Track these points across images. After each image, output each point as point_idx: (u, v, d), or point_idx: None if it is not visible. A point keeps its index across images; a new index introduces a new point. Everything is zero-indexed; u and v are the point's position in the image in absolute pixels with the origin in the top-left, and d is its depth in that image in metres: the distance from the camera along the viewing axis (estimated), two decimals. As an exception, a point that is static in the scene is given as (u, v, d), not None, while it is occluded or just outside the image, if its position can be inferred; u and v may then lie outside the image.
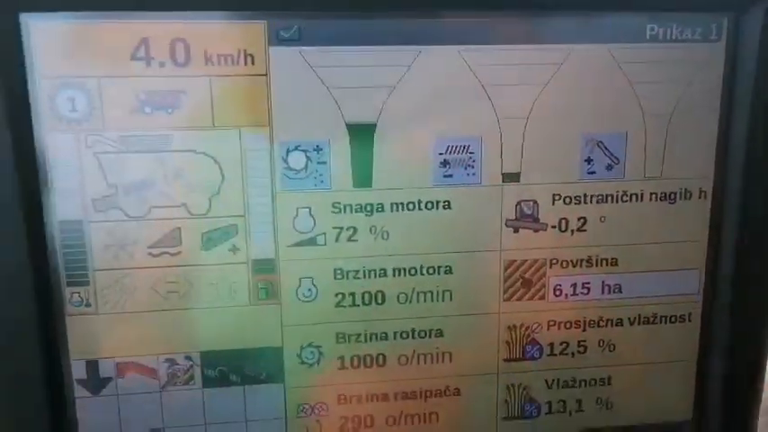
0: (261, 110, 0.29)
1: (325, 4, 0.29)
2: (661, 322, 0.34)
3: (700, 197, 0.32)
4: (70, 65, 0.28)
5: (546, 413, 0.34)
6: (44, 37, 0.27)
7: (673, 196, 0.32)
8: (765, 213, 0.32)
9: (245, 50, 0.29)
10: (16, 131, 0.27)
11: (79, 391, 0.31)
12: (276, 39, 0.29)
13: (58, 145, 0.28)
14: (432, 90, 0.30)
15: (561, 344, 0.33)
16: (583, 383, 0.34)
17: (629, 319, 0.33)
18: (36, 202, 0.28)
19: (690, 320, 0.34)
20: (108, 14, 0.27)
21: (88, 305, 0.30)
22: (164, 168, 0.29)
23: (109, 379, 0.31)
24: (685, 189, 0.32)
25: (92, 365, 0.31)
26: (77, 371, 0.31)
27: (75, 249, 0.29)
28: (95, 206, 0.29)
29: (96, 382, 0.31)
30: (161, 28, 0.28)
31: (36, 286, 0.29)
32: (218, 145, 0.29)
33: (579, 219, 0.32)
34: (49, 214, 0.29)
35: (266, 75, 0.29)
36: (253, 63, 0.29)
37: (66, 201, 0.29)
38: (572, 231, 0.32)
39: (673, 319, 0.34)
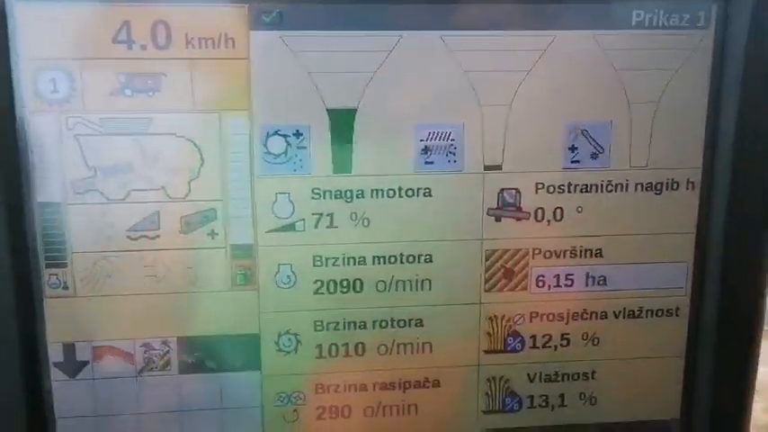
0: (241, 94, 0.30)
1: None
2: (647, 316, 0.34)
3: (687, 188, 0.33)
4: (53, 47, 0.29)
5: (528, 407, 0.35)
6: (28, 19, 0.29)
7: (659, 186, 0.33)
8: (756, 205, 0.32)
9: (226, 34, 0.30)
10: (-3, 112, 0.28)
11: (56, 374, 0.32)
12: (257, 23, 0.30)
13: (39, 126, 0.29)
14: (413, 76, 0.31)
15: (544, 336, 0.34)
16: (566, 377, 0.34)
17: (614, 312, 0.34)
18: (16, 183, 0.29)
19: (677, 315, 0.34)
20: (88, -4, 0.28)
21: (66, 288, 0.31)
22: (143, 151, 0.30)
23: (86, 362, 0.32)
24: (672, 179, 0.33)
25: (69, 348, 0.32)
26: (54, 354, 0.32)
27: (54, 231, 0.30)
28: (75, 188, 0.30)
29: (73, 365, 0.32)
30: (142, 11, 0.29)
31: (14, 267, 0.30)
32: (198, 128, 0.30)
33: (563, 208, 0.32)
34: (29, 196, 0.30)
35: (247, 59, 0.30)
36: (234, 47, 0.30)
37: (46, 182, 0.30)
38: (555, 221, 0.33)
39: (660, 313, 0.34)
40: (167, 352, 0.32)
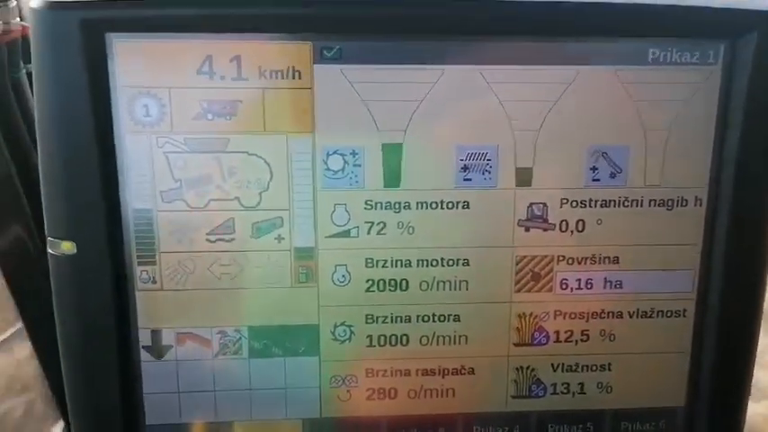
0: (306, 118, 0.36)
1: (363, 29, 0.35)
2: (658, 316, 0.39)
3: (695, 204, 0.38)
4: (146, 77, 0.35)
5: (551, 393, 0.40)
6: (126, 53, 0.34)
7: (670, 203, 0.38)
8: (754, 220, 0.37)
9: (293, 67, 0.35)
10: (100, 132, 0.34)
11: (144, 356, 0.38)
12: (320, 57, 0.35)
13: (134, 145, 0.35)
14: (455, 104, 0.36)
15: (566, 332, 0.39)
16: (585, 368, 0.40)
17: (628, 312, 0.39)
18: (115, 193, 0.35)
19: (684, 316, 0.39)
20: (179, 35, 0.34)
21: (154, 282, 0.37)
22: (221, 167, 0.36)
23: (170, 346, 0.38)
24: (682, 197, 0.38)
25: (156, 334, 0.38)
26: (143, 338, 0.38)
27: (146, 234, 0.36)
28: (163, 197, 0.36)
29: (159, 348, 0.38)
30: (223, 46, 0.35)
31: (113, 264, 0.36)
32: (268, 148, 0.36)
33: (584, 221, 0.38)
34: (125, 203, 0.36)
35: (311, 88, 0.35)
36: (300, 78, 0.35)
37: (139, 192, 0.36)
38: (578, 232, 0.38)
39: (669, 314, 0.39)
40: (239, 339, 0.38)
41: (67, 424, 0.53)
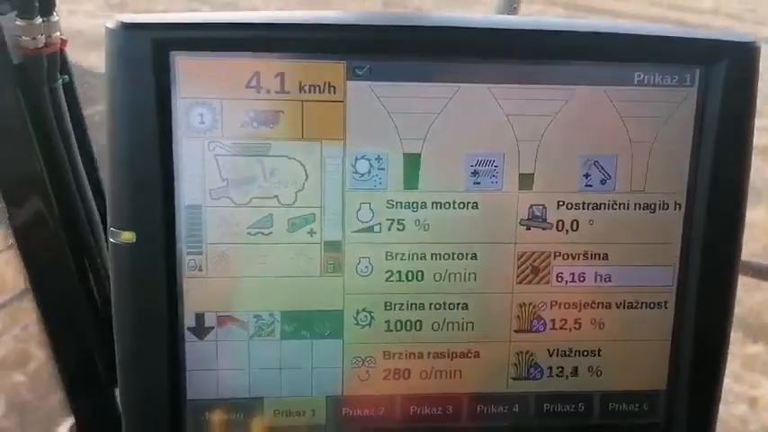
0: (338, 127, 0.42)
1: (390, 51, 0.41)
2: (642, 307, 0.46)
3: (675, 208, 0.45)
4: (202, 89, 0.41)
5: (547, 376, 0.46)
6: (185, 68, 0.41)
7: (653, 206, 0.44)
8: (724, 223, 0.44)
9: (329, 83, 0.42)
10: (161, 137, 0.41)
11: (189, 336, 0.44)
12: (353, 74, 0.42)
13: (189, 148, 0.41)
14: (467, 117, 0.43)
15: (561, 320, 0.46)
16: (578, 354, 0.46)
17: (616, 303, 0.46)
18: (171, 190, 0.41)
19: (666, 307, 0.46)
20: (232, 53, 0.41)
21: (200, 270, 0.43)
22: (263, 168, 0.42)
23: (211, 328, 0.44)
24: (663, 201, 0.44)
25: (199, 317, 0.44)
26: (189, 320, 0.44)
27: (194, 227, 0.42)
28: (211, 195, 0.42)
29: (202, 329, 0.44)
30: (269, 64, 0.41)
31: (166, 253, 0.42)
32: (305, 152, 0.42)
33: (578, 221, 0.44)
34: (179, 199, 0.42)
35: (344, 101, 0.42)
36: (334, 92, 0.42)
37: (192, 190, 0.42)
38: (572, 231, 0.44)
39: (652, 305, 0.46)
40: (273, 322, 0.44)
41: (76, 420, 0.58)
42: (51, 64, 0.52)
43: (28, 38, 0.49)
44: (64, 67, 0.54)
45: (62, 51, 0.54)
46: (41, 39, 0.50)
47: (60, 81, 0.53)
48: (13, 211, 0.53)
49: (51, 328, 0.56)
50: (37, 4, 0.50)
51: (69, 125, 0.54)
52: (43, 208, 0.54)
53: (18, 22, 0.49)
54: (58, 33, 0.52)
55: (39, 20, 0.50)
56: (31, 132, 0.52)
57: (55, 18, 0.52)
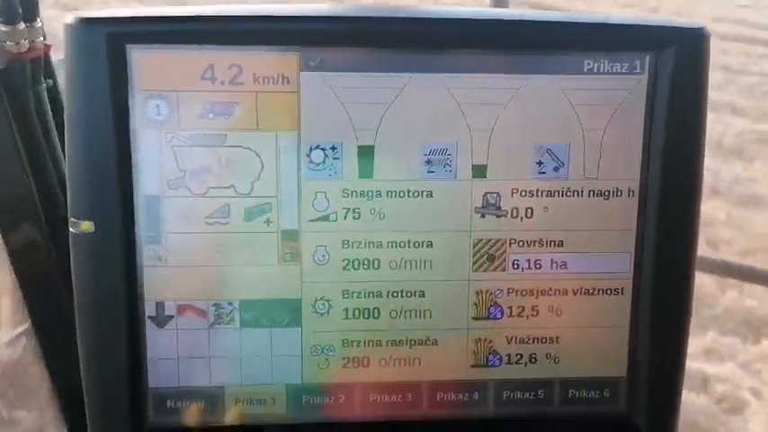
0: (292, 118, 0.44)
1: (342, 42, 0.44)
2: (599, 294, 0.48)
3: (628, 195, 0.47)
4: (157, 82, 0.44)
5: (506, 363, 0.48)
6: (142, 61, 0.43)
7: (607, 193, 0.46)
8: (679, 209, 0.46)
9: (282, 74, 0.44)
10: (119, 128, 0.43)
11: (149, 325, 0.46)
12: (305, 66, 0.44)
13: (146, 139, 0.44)
14: (420, 106, 0.45)
15: (518, 308, 0.48)
16: (535, 341, 0.48)
17: (572, 290, 0.48)
18: (129, 181, 0.44)
19: (623, 294, 0.48)
20: (186, 47, 0.43)
21: (160, 259, 0.45)
22: (219, 159, 0.45)
23: (171, 317, 0.46)
24: (617, 188, 0.46)
25: (160, 305, 0.46)
26: (149, 309, 0.46)
27: (153, 216, 0.45)
28: (169, 185, 0.45)
29: (162, 318, 0.46)
30: (223, 56, 0.44)
31: (125, 242, 0.44)
32: (260, 143, 0.45)
33: (533, 208, 0.46)
34: (137, 190, 0.44)
35: (297, 92, 0.44)
36: (288, 83, 0.44)
37: (149, 180, 0.44)
38: (527, 218, 0.46)
39: (609, 291, 0.48)
40: (232, 311, 0.46)
41: (70, 430, 0.60)
42: (35, 68, 0.55)
43: (11, 43, 0.53)
44: (48, 71, 0.58)
45: (47, 56, 0.57)
46: (25, 44, 0.54)
47: (44, 85, 0.57)
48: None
49: (42, 338, 0.59)
50: (20, 11, 0.53)
51: (53, 129, 0.57)
52: (27, 211, 0.57)
53: (1, 28, 0.53)
54: (42, 38, 0.56)
55: (22, 25, 0.53)
56: (15, 136, 0.55)
57: (38, 24, 0.55)
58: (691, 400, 1.60)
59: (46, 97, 0.56)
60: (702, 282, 2.04)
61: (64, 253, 0.55)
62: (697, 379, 1.68)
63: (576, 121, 0.46)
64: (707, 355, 1.82)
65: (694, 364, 1.73)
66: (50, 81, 0.57)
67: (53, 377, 0.61)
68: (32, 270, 0.59)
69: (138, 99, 0.44)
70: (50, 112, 0.57)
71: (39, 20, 0.55)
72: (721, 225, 2.58)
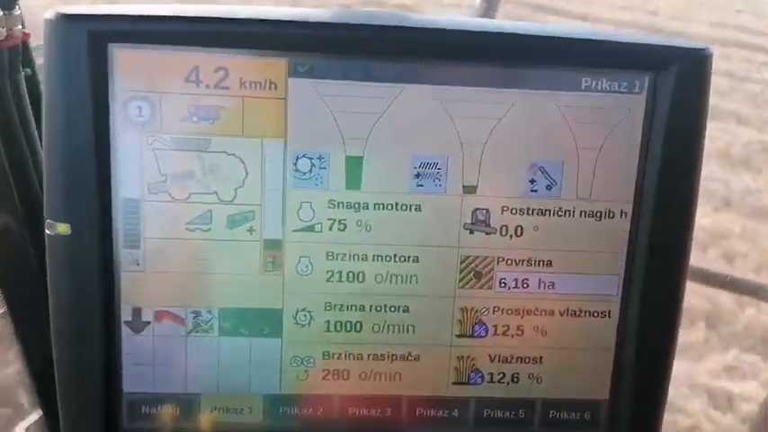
0: (279, 125, 0.43)
1: (333, 49, 0.43)
2: (586, 316, 0.47)
3: (621, 216, 0.46)
4: (141, 82, 0.42)
5: (488, 382, 0.48)
6: (124, 61, 0.42)
7: (599, 214, 0.46)
8: (671, 233, 0.45)
9: (270, 79, 0.43)
10: (98, 129, 0.42)
11: (125, 330, 0.45)
12: (294, 72, 0.43)
13: (127, 141, 0.43)
14: (411, 118, 0.44)
15: (503, 326, 0.47)
16: (519, 360, 0.47)
17: (559, 311, 0.47)
18: (107, 183, 0.43)
19: (609, 316, 0.47)
20: (171, 47, 0.42)
21: (138, 264, 0.44)
22: (203, 164, 0.44)
23: (148, 323, 0.45)
24: (609, 209, 0.46)
25: (136, 311, 0.45)
26: (125, 314, 0.45)
27: (132, 221, 0.44)
28: (150, 189, 0.44)
29: (139, 324, 0.45)
30: (209, 59, 0.43)
31: (102, 246, 0.43)
32: (245, 149, 0.44)
33: (522, 227, 0.46)
34: (116, 193, 0.43)
35: (285, 98, 0.43)
36: (276, 89, 0.43)
37: (129, 184, 0.43)
38: (516, 236, 0.46)
39: (595, 314, 0.47)
40: (211, 318, 0.46)
41: (44, 414, 0.60)
42: (13, 57, 0.53)
43: (-12, 30, 0.51)
44: (27, 60, 0.56)
45: (25, 44, 0.55)
46: (2, 32, 0.52)
47: (23, 74, 0.55)
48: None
49: (17, 324, 0.58)
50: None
51: (31, 118, 0.56)
52: (4, 202, 0.56)
53: (-22, 16, 0.51)
54: (20, 27, 0.54)
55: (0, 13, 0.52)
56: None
57: (17, 11, 0.53)
58: (717, 420, 1.62)
59: (24, 86, 0.55)
60: (721, 299, 2.06)
61: (41, 242, 0.55)
62: (722, 398, 1.70)
63: (571, 139, 0.45)
64: (730, 374, 1.82)
65: (718, 382, 1.75)
66: (29, 70, 0.55)
67: (28, 361, 0.61)
68: (7, 257, 0.58)
69: (119, 100, 0.42)
70: (28, 102, 0.55)
71: (17, 7, 0.53)
72: (737, 238, 2.59)
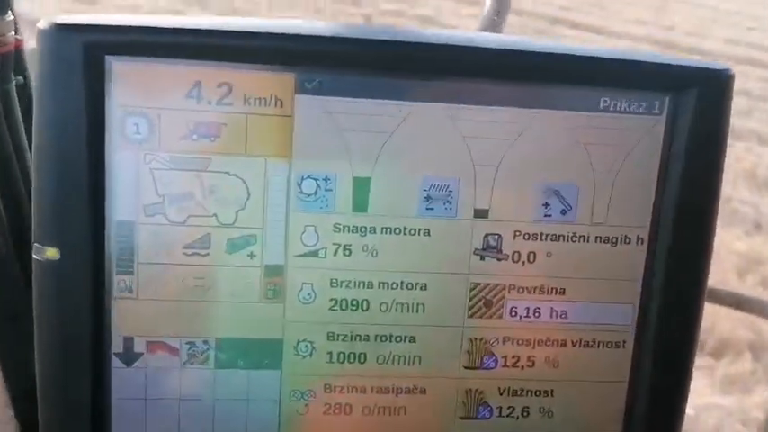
0: (284, 144, 0.41)
1: (342, 64, 0.41)
2: (599, 347, 0.45)
3: (637, 243, 0.44)
4: (139, 97, 0.40)
5: (497, 416, 0.46)
6: (122, 75, 0.40)
7: (614, 240, 0.44)
8: (689, 261, 0.44)
9: (275, 96, 0.41)
10: (92, 146, 0.40)
11: (115, 362, 0.43)
12: (301, 88, 0.41)
13: (123, 160, 0.41)
14: (422, 138, 0.42)
15: (513, 357, 0.45)
16: (529, 393, 0.46)
17: (572, 341, 0.45)
18: (101, 205, 0.40)
19: (624, 347, 0.46)
20: (172, 61, 0.40)
21: (130, 291, 0.42)
22: (202, 185, 0.41)
23: (140, 354, 0.43)
24: (625, 235, 0.44)
25: (128, 341, 0.42)
26: (116, 345, 0.42)
27: (126, 245, 0.41)
28: (145, 211, 0.41)
29: (130, 355, 0.43)
30: (211, 73, 0.40)
31: (93, 272, 0.41)
32: (248, 169, 0.41)
33: (535, 253, 0.44)
34: (110, 215, 0.41)
35: (291, 116, 0.41)
36: (281, 106, 0.41)
37: (124, 205, 0.41)
38: (529, 263, 0.44)
39: (609, 344, 0.45)
40: (207, 349, 0.43)
41: (24, 429, 0.56)
42: (5, 64, 0.51)
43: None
44: (20, 68, 0.54)
45: (18, 51, 0.53)
46: (-7, 38, 0.49)
47: (14, 82, 0.52)
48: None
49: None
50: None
51: (22, 128, 0.53)
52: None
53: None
54: (13, 33, 0.51)
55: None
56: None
57: (9, 17, 0.51)
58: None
59: (15, 95, 0.52)
60: (765, 327, 2.05)
61: (28, 266, 0.52)
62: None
63: (587, 161, 0.43)
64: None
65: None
66: (21, 78, 0.53)
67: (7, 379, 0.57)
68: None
69: (115, 116, 0.40)
70: (20, 112, 0.53)
71: (10, 12, 0.50)
72: (773, 263, 2.61)
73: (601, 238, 0.44)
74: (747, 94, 4.39)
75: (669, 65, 0.44)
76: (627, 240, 0.45)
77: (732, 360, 2.14)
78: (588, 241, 0.44)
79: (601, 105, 0.43)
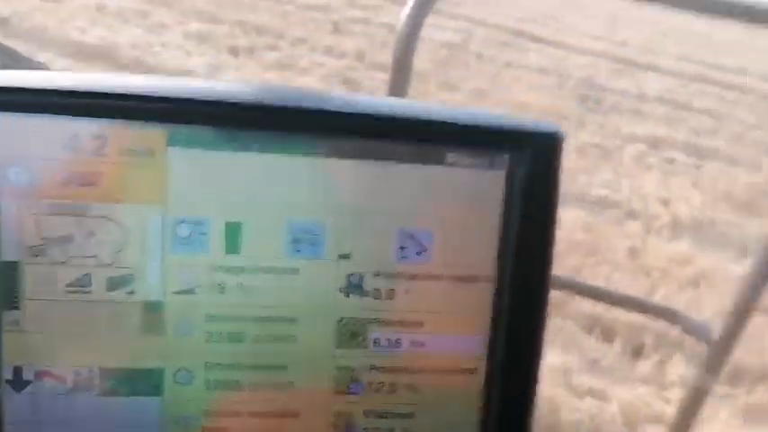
0: (158, 191, 0.41)
1: (208, 121, 0.41)
2: (454, 373, 0.45)
3: (485, 282, 0.45)
4: (18, 148, 0.39)
5: None
6: (2, 127, 0.40)
7: (464, 279, 0.44)
8: (529, 297, 0.44)
9: (149, 147, 0.41)
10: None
11: (6, 388, 0.42)
12: (173, 141, 0.41)
13: (7, 207, 0.40)
14: (287, 186, 0.42)
15: (378, 383, 0.45)
16: (392, 416, 0.45)
17: (430, 368, 0.45)
18: None
19: (476, 373, 0.45)
20: (49, 116, 0.40)
21: (17, 324, 0.42)
22: (81, 229, 0.41)
23: (29, 382, 0.42)
24: (474, 275, 0.44)
25: (18, 370, 0.42)
26: (6, 373, 0.42)
27: (12, 282, 0.41)
28: (30, 252, 0.41)
29: (20, 383, 0.42)
30: (88, 126, 0.40)
31: (-20, 308, 0.42)
32: (124, 215, 0.41)
33: (394, 290, 0.44)
34: None
35: (164, 166, 0.41)
36: (154, 157, 0.41)
37: (9, 246, 0.41)
38: (389, 299, 0.44)
39: (463, 371, 0.45)
40: (92, 378, 0.43)
41: None
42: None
43: None
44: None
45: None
46: None
47: None
48: None
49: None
50: None
51: None
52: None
53: None
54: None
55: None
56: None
57: None
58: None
59: None
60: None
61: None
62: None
63: (437, 209, 0.43)
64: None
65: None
66: None
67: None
68: None
69: None
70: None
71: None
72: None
73: (453, 277, 0.44)
74: (709, 113, 4.21)
75: (505, 126, 0.44)
76: (476, 279, 0.45)
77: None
78: (441, 280, 0.44)
79: (448, 160, 0.44)
